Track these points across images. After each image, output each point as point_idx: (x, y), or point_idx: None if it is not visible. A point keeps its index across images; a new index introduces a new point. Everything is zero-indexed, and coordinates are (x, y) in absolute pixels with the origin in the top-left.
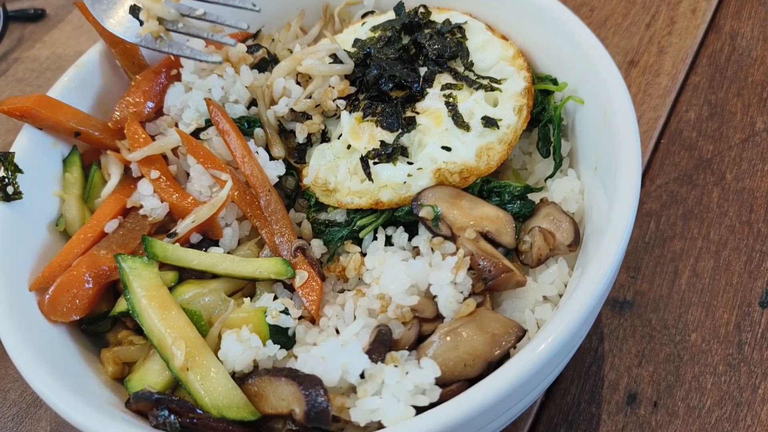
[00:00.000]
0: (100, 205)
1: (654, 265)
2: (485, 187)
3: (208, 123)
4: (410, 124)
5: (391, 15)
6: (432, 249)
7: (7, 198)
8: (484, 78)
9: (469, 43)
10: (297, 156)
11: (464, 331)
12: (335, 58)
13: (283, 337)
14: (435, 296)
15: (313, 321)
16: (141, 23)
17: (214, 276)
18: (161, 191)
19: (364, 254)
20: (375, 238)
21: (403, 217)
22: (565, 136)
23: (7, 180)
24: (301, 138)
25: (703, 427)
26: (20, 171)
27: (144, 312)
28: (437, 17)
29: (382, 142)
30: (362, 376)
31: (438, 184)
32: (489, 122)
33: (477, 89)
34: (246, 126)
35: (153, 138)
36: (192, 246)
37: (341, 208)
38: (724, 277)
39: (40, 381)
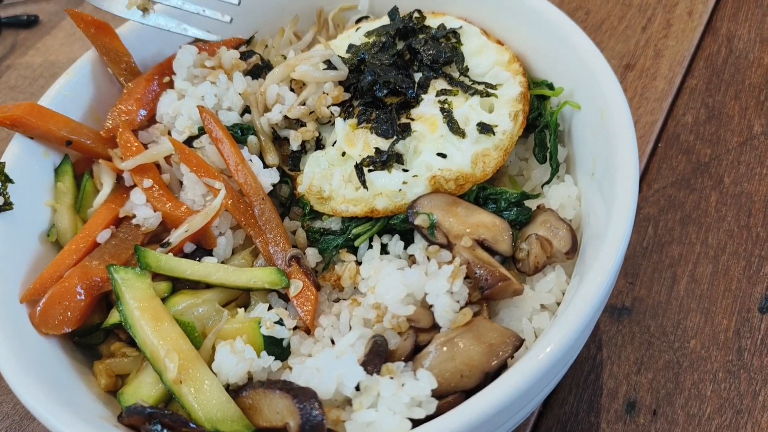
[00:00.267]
0: (92, 214)
1: (652, 270)
2: (481, 194)
3: (201, 131)
4: (405, 130)
5: (385, 20)
6: (428, 257)
7: None
8: (479, 83)
9: (464, 48)
10: (291, 164)
11: (461, 342)
12: (329, 64)
13: (277, 348)
14: (431, 306)
15: (308, 331)
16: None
17: (208, 286)
18: (154, 200)
19: (359, 263)
20: (370, 247)
21: (398, 225)
22: (562, 142)
23: None
24: (295, 145)
25: None
26: (11, 181)
27: (137, 324)
28: (432, 22)
29: (377, 149)
30: (358, 388)
31: (433, 191)
32: (485, 128)
33: (472, 95)
34: (239, 133)
35: (146, 146)
36: (185, 256)
37: (336, 216)
38: (723, 282)
39: (30, 394)
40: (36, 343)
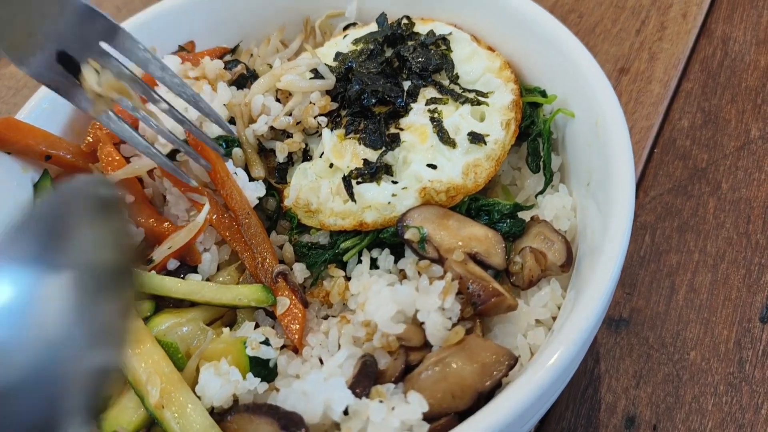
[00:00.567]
0: None
1: (650, 280)
2: (473, 205)
3: (186, 143)
4: (394, 141)
5: (373, 27)
6: (419, 272)
7: None
8: (470, 91)
9: (454, 54)
10: (278, 176)
11: (453, 361)
12: (316, 73)
13: (264, 369)
14: (422, 323)
15: (296, 350)
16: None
17: (193, 304)
18: (137, 216)
19: (348, 278)
20: (360, 261)
21: (388, 239)
22: (556, 150)
23: None
24: (281, 157)
25: None
26: None
27: None
28: (421, 28)
29: (366, 161)
30: (346, 412)
31: (424, 203)
32: (476, 138)
33: (463, 103)
34: (224, 146)
35: (128, 160)
36: (169, 273)
37: (324, 230)
38: (722, 291)
39: None
40: None
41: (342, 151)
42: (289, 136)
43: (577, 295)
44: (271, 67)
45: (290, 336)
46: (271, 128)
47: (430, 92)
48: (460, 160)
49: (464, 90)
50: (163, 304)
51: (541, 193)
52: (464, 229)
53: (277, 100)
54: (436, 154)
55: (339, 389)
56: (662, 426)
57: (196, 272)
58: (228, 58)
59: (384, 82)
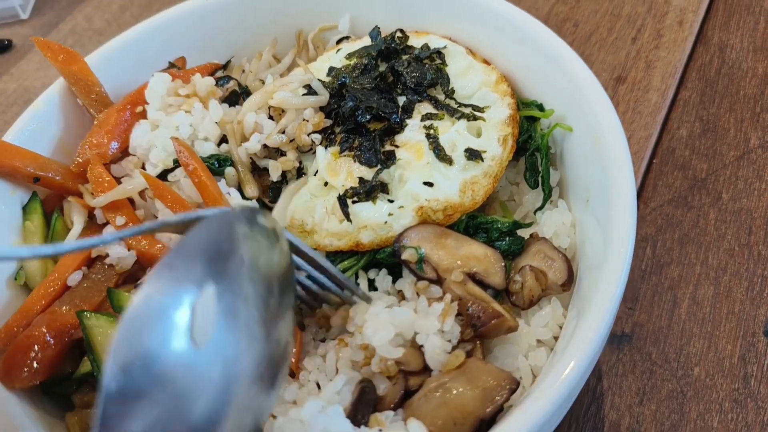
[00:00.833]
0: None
1: (652, 294)
2: (471, 223)
3: (177, 163)
4: (389, 158)
5: (366, 41)
6: (417, 293)
7: None
8: (466, 106)
9: (449, 68)
10: (271, 195)
11: (453, 387)
12: (309, 89)
13: None
14: (421, 345)
15: (293, 374)
16: None
17: None
18: (128, 238)
19: None
20: (357, 284)
21: (385, 260)
22: (554, 165)
23: None
24: (275, 176)
25: None
26: None
27: None
28: (415, 42)
29: (361, 179)
30: None
31: (421, 222)
32: (473, 154)
33: (459, 119)
34: (216, 165)
35: (119, 181)
36: None
37: (320, 251)
38: (725, 305)
39: None
40: (1, 396)
41: (337, 169)
42: (283, 154)
43: (579, 314)
44: (263, 82)
45: None
46: (265, 146)
47: (425, 107)
48: (457, 177)
49: (460, 105)
50: None
51: (539, 209)
52: (463, 248)
53: (270, 117)
54: (432, 172)
55: (337, 419)
56: None
57: None
58: (219, 74)
59: (378, 98)
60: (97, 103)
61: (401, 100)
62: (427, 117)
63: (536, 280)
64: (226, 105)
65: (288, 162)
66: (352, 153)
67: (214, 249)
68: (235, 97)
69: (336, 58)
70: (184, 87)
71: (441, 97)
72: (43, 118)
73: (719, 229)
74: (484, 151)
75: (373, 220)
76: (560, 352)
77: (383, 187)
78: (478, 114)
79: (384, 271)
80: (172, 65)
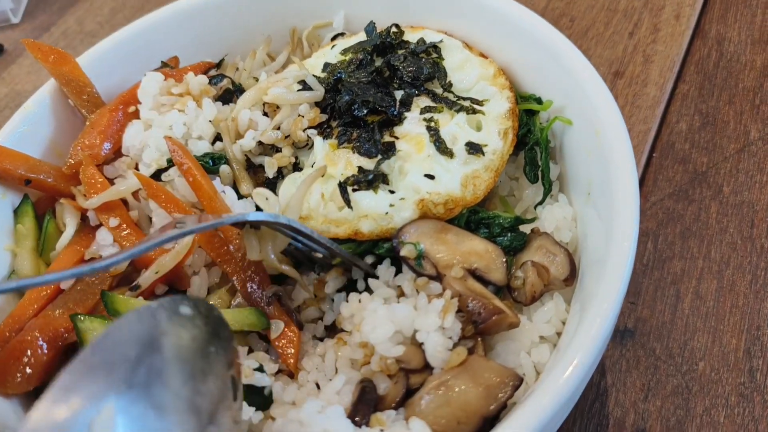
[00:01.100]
0: (55, 258)
1: (654, 289)
2: (473, 218)
3: (171, 163)
4: (389, 149)
5: (362, 36)
6: (417, 290)
7: None
8: (465, 99)
9: (445, 62)
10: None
11: (456, 384)
12: (304, 85)
13: (258, 397)
14: (422, 343)
15: (292, 375)
16: None
17: None
18: (122, 240)
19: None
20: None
21: (385, 254)
22: (554, 159)
23: None
24: (270, 173)
25: None
26: None
27: None
28: (411, 37)
29: (360, 168)
30: None
31: (421, 216)
32: (474, 148)
33: (458, 111)
34: (211, 163)
35: (112, 182)
36: (157, 298)
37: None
38: (729, 298)
39: None
40: None
41: (335, 159)
42: (278, 150)
43: (582, 309)
44: (257, 80)
45: (285, 360)
46: (260, 143)
47: (423, 101)
48: (459, 171)
49: (458, 98)
50: None
51: (540, 203)
52: (463, 244)
53: (265, 113)
54: (433, 164)
55: (338, 419)
56: None
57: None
58: (213, 72)
59: (375, 92)
60: (89, 103)
61: (399, 94)
62: (426, 110)
63: (538, 276)
64: (219, 103)
65: (284, 158)
66: (351, 145)
67: (122, 355)
68: (229, 95)
69: (331, 54)
70: (177, 86)
71: (439, 90)
72: (33, 119)
73: (721, 223)
74: (485, 145)
75: (374, 210)
76: (563, 348)
77: (384, 178)
78: (477, 107)
79: (387, 261)
80: (165, 65)
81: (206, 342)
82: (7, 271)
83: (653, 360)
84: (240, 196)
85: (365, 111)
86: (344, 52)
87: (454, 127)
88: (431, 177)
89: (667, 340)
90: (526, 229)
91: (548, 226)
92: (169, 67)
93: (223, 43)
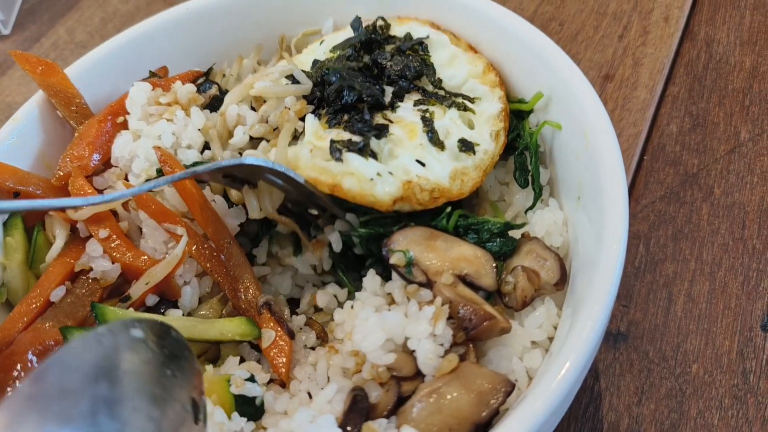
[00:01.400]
0: (45, 270)
1: (646, 291)
2: (462, 223)
3: (160, 173)
4: (382, 130)
5: (350, 32)
6: (407, 297)
7: None
8: (456, 95)
9: (433, 59)
10: None
11: (448, 392)
12: (292, 80)
13: (250, 407)
14: (413, 350)
15: (284, 384)
16: None
17: None
18: (112, 251)
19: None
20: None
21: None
22: (543, 163)
23: None
24: None
25: None
26: None
27: None
28: (397, 30)
29: (350, 140)
30: None
31: (404, 198)
32: (466, 146)
33: (450, 107)
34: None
35: (101, 193)
36: (148, 309)
37: None
38: (721, 300)
39: None
40: None
41: (325, 136)
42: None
43: (574, 312)
44: None
45: (277, 370)
46: (251, 139)
47: (414, 96)
48: (449, 164)
49: (449, 94)
50: None
51: (530, 208)
52: (452, 250)
53: (252, 108)
54: (424, 153)
55: (329, 428)
56: None
57: (177, 307)
58: (201, 81)
59: (362, 80)
60: (78, 114)
61: (389, 90)
62: (420, 102)
63: (529, 281)
64: (207, 111)
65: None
66: (342, 126)
67: (63, 386)
68: (218, 103)
69: (320, 50)
70: (165, 95)
71: (429, 87)
72: (22, 131)
73: (712, 224)
74: (477, 144)
75: (360, 171)
76: (555, 352)
77: (373, 155)
78: (468, 105)
79: (372, 271)
80: (153, 74)
81: (162, 365)
82: None
83: (646, 363)
84: (230, 205)
85: (354, 98)
86: (333, 49)
87: (448, 121)
88: (422, 164)
89: (660, 343)
90: (515, 234)
91: (539, 231)
92: (158, 77)
93: (213, 53)
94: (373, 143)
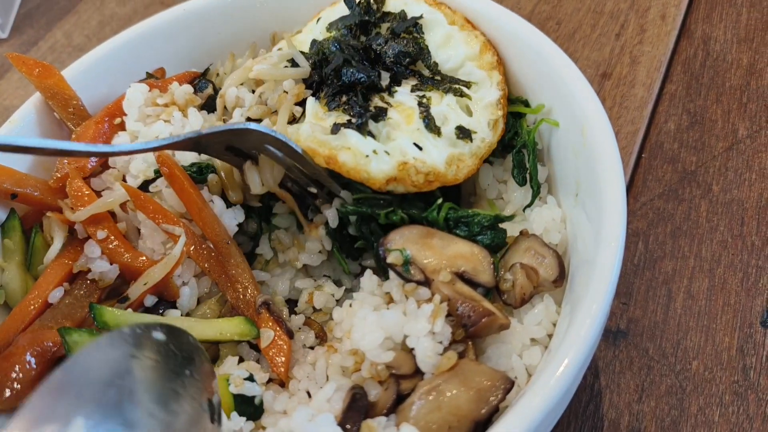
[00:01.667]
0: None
1: (646, 289)
2: (451, 215)
3: (158, 174)
4: (381, 113)
5: (345, 9)
6: (406, 295)
7: None
8: (452, 80)
9: (428, 41)
10: None
11: (447, 389)
12: (292, 63)
13: (249, 407)
14: (412, 349)
15: (283, 383)
16: None
17: None
18: (110, 252)
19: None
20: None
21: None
22: (541, 161)
23: None
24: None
25: None
26: None
27: None
28: (392, 5)
29: (350, 120)
30: None
31: (398, 179)
32: (463, 133)
33: (446, 92)
34: (198, 173)
35: (99, 194)
36: (147, 310)
37: None
38: (720, 297)
39: None
40: None
41: (325, 117)
42: None
43: (573, 309)
44: None
45: (276, 369)
46: (248, 120)
47: (412, 81)
48: (445, 149)
49: (444, 78)
50: None
51: (528, 206)
52: (449, 248)
53: (252, 92)
54: (421, 138)
55: (328, 427)
56: None
57: (176, 308)
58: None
59: (359, 60)
60: (75, 116)
61: (386, 75)
62: (416, 87)
63: (527, 278)
64: (204, 112)
65: None
66: (341, 108)
67: (92, 376)
68: (213, 102)
69: (317, 29)
70: (162, 96)
71: (426, 72)
72: (19, 133)
73: (711, 221)
74: (475, 132)
75: (357, 147)
76: (554, 349)
77: (372, 136)
78: (465, 90)
79: (369, 271)
80: (150, 76)
81: (181, 365)
82: None
83: (647, 360)
84: (229, 205)
85: (352, 77)
86: (329, 27)
87: (445, 107)
88: (419, 147)
89: (660, 340)
90: (507, 227)
91: (537, 228)
92: (155, 78)
93: (210, 54)
94: (372, 126)
